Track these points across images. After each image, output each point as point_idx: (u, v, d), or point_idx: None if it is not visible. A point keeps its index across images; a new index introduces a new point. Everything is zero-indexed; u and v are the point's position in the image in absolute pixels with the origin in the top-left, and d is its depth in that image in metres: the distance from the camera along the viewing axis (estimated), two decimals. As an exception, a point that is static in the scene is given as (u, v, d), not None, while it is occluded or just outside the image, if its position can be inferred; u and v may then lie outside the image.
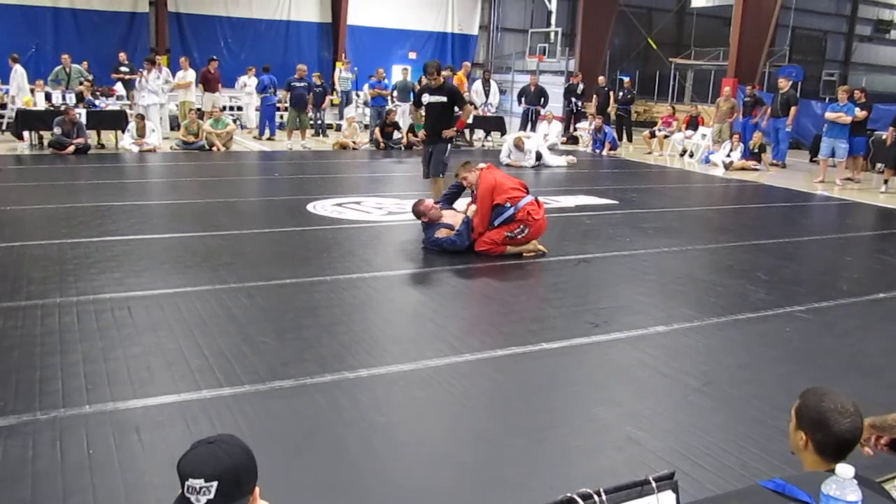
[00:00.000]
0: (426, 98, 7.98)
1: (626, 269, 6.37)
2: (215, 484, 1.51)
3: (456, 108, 8.29)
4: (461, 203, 7.01)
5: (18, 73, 14.19)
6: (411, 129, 14.56)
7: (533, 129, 16.36)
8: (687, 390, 3.89)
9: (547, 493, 1.42)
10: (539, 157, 13.28)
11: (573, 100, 18.07)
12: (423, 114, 8.26)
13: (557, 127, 16.93)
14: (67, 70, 14.31)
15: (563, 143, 16.61)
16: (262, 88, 15.80)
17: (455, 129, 8.49)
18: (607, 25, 22.65)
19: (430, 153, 8.16)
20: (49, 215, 7.53)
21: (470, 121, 16.07)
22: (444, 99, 7.93)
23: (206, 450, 1.58)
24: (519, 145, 13.40)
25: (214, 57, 16.32)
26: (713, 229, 8.60)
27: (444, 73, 8.52)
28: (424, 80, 8.19)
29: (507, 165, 12.91)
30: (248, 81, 16.79)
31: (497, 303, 5.44)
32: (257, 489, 1.63)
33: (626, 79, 18.86)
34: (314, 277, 5.66)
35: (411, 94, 16.05)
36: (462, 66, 18.58)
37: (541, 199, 6.98)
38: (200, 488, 1.51)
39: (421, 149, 8.81)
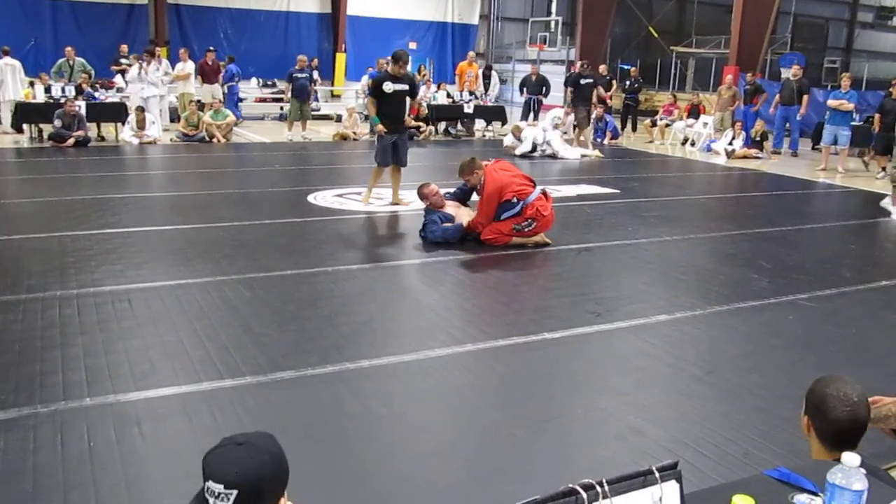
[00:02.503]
0: (389, 87, 7.74)
1: (628, 259, 6.35)
2: (235, 493, 1.41)
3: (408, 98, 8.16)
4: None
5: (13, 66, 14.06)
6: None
7: (535, 118, 16.29)
8: (689, 379, 3.87)
9: (549, 484, 1.40)
10: (534, 147, 13.19)
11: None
12: (377, 105, 7.91)
13: (570, 118, 16.88)
14: (71, 63, 14.26)
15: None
16: (228, 78, 15.79)
17: (410, 116, 8.43)
18: (608, 14, 22.53)
19: (396, 142, 7.93)
20: (49, 208, 7.52)
21: (470, 111, 16.06)
22: (406, 87, 7.88)
23: (232, 452, 1.46)
24: (516, 134, 13.40)
25: (212, 48, 16.22)
26: (715, 218, 8.57)
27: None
28: (388, 69, 7.89)
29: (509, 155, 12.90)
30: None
31: (499, 293, 5.42)
32: (283, 499, 1.52)
33: (633, 68, 18.75)
34: (315, 268, 5.65)
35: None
36: (467, 56, 18.45)
37: (547, 190, 6.94)
38: (220, 494, 1.41)
39: (361, 139, 8.66)
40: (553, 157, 13.07)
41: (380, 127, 7.85)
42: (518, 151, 13.04)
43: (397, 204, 8.16)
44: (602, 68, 18.02)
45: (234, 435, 1.51)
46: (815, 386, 1.97)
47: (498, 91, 18.29)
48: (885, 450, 2.59)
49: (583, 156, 13.27)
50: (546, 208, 6.52)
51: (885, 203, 8.96)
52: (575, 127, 16.93)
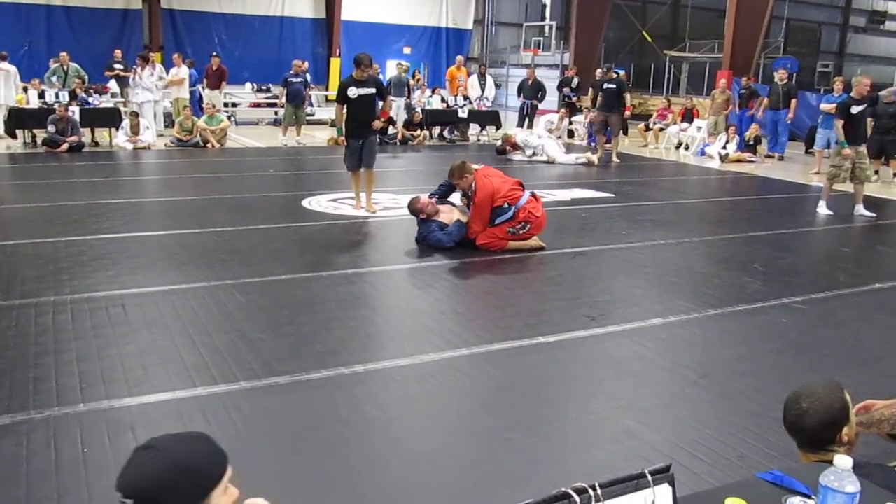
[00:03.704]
0: (354, 91, 7.74)
1: (623, 262, 6.36)
2: (130, 503, 1.34)
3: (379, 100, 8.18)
4: (455, 196, 6.96)
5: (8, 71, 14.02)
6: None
7: (530, 123, 16.31)
8: (684, 383, 3.88)
9: (544, 488, 1.40)
10: (532, 154, 13.23)
11: (568, 92, 17.99)
12: (346, 111, 7.94)
13: (564, 123, 16.96)
14: (65, 68, 14.24)
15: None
16: (194, 82, 15.81)
17: (381, 119, 8.54)
18: (602, 18, 22.61)
19: (362, 145, 7.96)
20: (43, 213, 7.49)
21: (465, 115, 16.05)
22: (373, 90, 7.89)
23: (137, 458, 1.39)
24: (508, 142, 13.52)
25: (216, 53, 16.20)
26: (709, 221, 8.59)
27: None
28: (353, 74, 7.90)
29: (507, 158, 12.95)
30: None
31: (493, 297, 5.43)
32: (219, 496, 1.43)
33: (622, 72, 18.77)
34: (310, 273, 5.64)
35: (406, 89, 16.00)
36: (456, 61, 18.47)
37: (536, 192, 6.96)
38: (120, 503, 1.35)
39: (338, 145, 8.93)
40: (548, 162, 13.08)
41: (341, 138, 7.99)
42: (517, 157, 13.15)
43: (369, 210, 8.07)
44: (598, 73, 18.04)
45: (151, 439, 1.44)
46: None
47: (494, 94, 18.29)
48: (880, 452, 2.59)
49: (578, 160, 13.26)
50: (538, 209, 6.55)
51: (821, 207, 8.87)
52: (570, 132, 17.01)
